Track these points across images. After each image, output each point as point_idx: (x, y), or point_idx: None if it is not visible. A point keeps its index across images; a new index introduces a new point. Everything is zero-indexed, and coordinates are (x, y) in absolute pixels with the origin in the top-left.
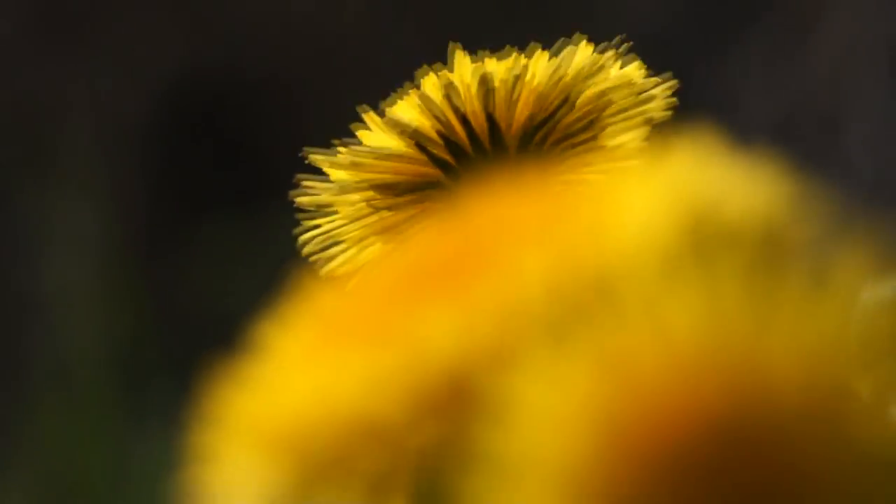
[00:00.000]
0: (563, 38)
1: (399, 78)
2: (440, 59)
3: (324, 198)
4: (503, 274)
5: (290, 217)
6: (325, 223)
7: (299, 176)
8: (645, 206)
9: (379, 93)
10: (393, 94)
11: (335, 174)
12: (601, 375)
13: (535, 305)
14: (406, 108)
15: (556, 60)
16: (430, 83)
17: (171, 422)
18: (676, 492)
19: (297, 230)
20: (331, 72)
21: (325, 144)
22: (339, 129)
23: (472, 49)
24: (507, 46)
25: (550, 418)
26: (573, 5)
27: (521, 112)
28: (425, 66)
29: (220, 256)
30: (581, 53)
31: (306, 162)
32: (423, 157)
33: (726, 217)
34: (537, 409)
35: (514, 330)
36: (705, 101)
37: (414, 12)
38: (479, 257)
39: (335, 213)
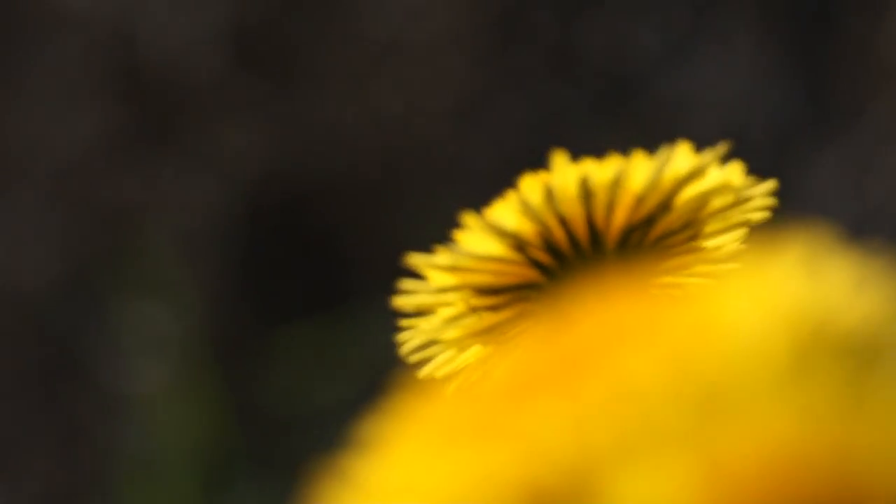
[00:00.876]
0: (664, 144)
1: (484, 180)
2: (528, 162)
3: (423, 299)
4: (614, 375)
5: (372, 319)
6: (425, 324)
7: (401, 280)
8: (751, 310)
9: (463, 194)
10: (494, 199)
11: (435, 276)
12: (705, 476)
13: (645, 407)
14: (506, 211)
15: (655, 163)
16: (530, 186)
17: None
18: None
19: (397, 333)
20: (414, 172)
21: (409, 245)
22: (423, 230)
23: (567, 151)
24: (608, 150)
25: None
26: (670, 111)
27: (621, 215)
28: (527, 172)
29: (301, 358)
30: (681, 156)
31: (395, 266)
32: (523, 259)
33: (829, 323)
34: None
35: (625, 431)
36: (794, 204)
37: (503, 111)
38: (588, 359)
39: (434, 314)
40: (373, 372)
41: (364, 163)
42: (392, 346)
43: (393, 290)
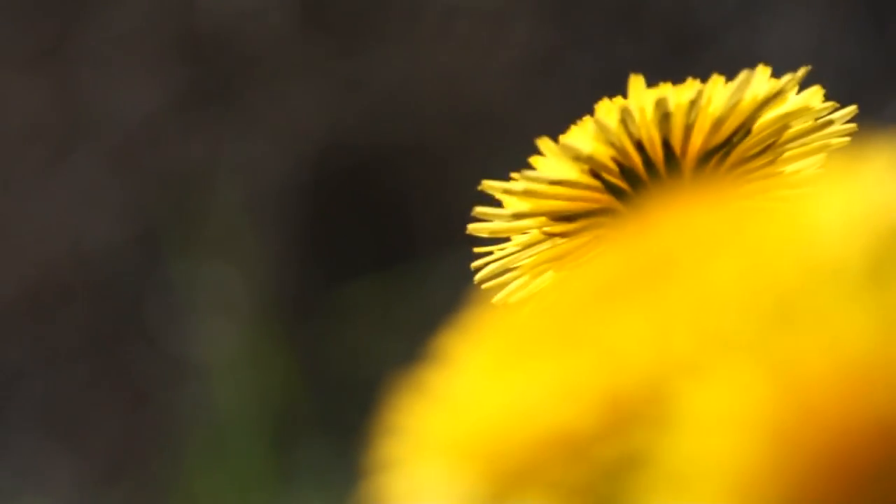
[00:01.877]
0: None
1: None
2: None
3: (497, 225)
4: (693, 283)
5: (438, 279)
6: (498, 251)
7: (476, 209)
8: (833, 218)
9: (525, 153)
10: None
11: (509, 202)
12: (776, 383)
13: (727, 315)
14: (581, 135)
15: (732, 85)
16: (606, 110)
17: (320, 482)
18: (846, 496)
19: (461, 292)
20: (481, 133)
21: (469, 206)
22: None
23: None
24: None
25: (725, 425)
26: (739, 67)
27: (697, 138)
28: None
29: (366, 318)
30: (759, 80)
31: (460, 226)
32: (598, 184)
33: None
34: (713, 415)
35: (706, 339)
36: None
37: (570, 70)
38: (666, 267)
39: (508, 241)
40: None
41: (430, 124)
42: (456, 306)
43: (458, 251)
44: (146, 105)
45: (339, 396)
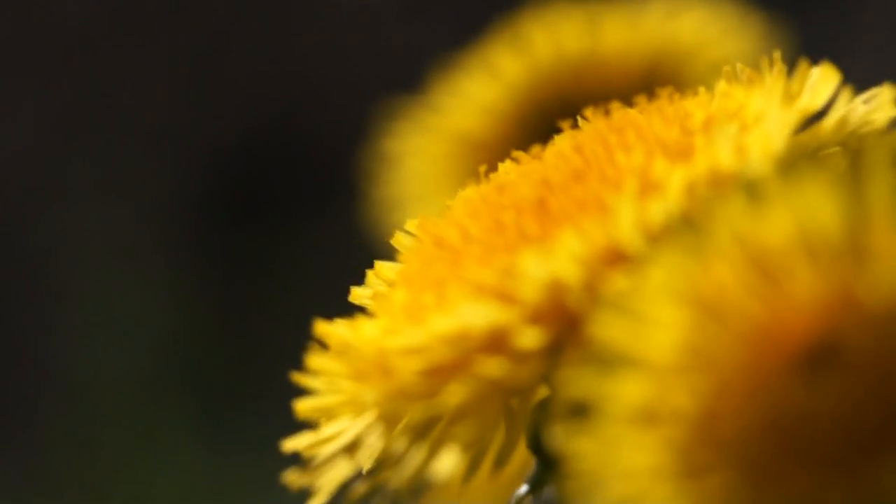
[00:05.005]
0: None
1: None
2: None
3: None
4: (629, 180)
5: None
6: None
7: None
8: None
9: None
10: None
11: None
12: (708, 268)
13: (666, 207)
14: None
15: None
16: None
17: (222, 431)
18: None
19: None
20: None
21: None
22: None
23: None
24: None
25: (669, 311)
26: None
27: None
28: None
29: (261, 270)
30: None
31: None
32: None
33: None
34: (648, 297)
35: (642, 233)
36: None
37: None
38: (601, 171)
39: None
40: (329, 282)
41: (323, 76)
42: (350, 255)
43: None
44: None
45: (240, 345)
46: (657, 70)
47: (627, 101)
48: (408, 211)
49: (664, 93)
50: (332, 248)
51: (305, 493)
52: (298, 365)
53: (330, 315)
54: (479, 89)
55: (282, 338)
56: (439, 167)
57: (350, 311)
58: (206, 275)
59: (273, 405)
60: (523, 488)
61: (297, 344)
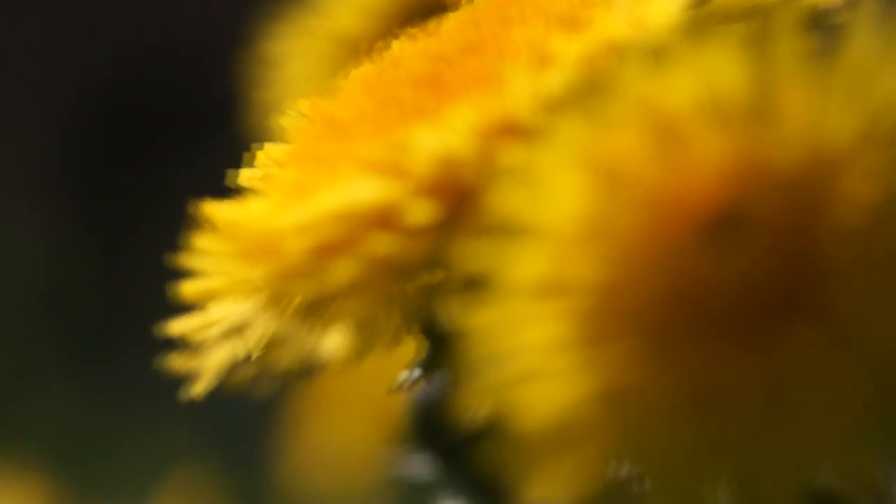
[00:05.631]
0: None
1: None
2: None
3: None
4: (525, 52)
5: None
6: None
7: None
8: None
9: None
10: None
11: None
12: (609, 136)
13: (562, 78)
14: None
15: None
16: None
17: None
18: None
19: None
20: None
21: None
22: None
23: None
24: None
25: (569, 180)
26: None
27: None
28: None
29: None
30: None
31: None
32: None
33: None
34: (559, 172)
35: (538, 103)
36: None
37: None
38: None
39: None
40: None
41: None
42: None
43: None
44: None
45: (116, 284)
46: None
47: None
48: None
49: None
50: (208, 182)
51: (183, 440)
52: (177, 305)
53: None
54: None
55: (159, 276)
56: (321, 69)
57: None
58: (79, 212)
59: (151, 347)
60: (415, 372)
61: (175, 281)
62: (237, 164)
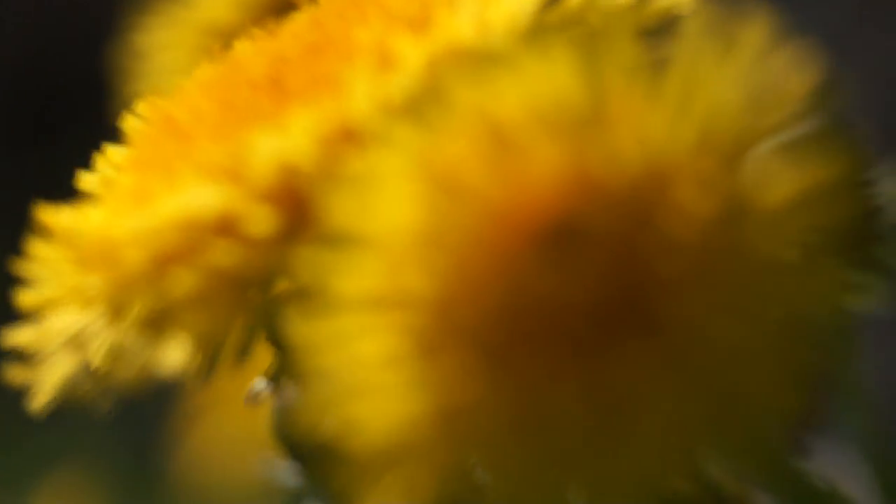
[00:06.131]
0: None
1: None
2: None
3: None
4: (365, 54)
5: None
6: None
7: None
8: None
9: None
10: None
11: None
12: (456, 137)
13: (404, 82)
14: None
15: None
16: None
17: None
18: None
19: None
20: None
21: None
22: None
23: None
24: None
25: (403, 190)
26: None
27: None
28: None
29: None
30: None
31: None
32: None
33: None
34: (393, 181)
35: (380, 105)
36: None
37: None
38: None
39: None
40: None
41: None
42: None
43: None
44: None
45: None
46: None
47: None
48: None
49: None
50: None
51: (64, 440)
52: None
53: None
54: None
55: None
56: (190, 60)
57: None
58: None
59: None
60: (262, 383)
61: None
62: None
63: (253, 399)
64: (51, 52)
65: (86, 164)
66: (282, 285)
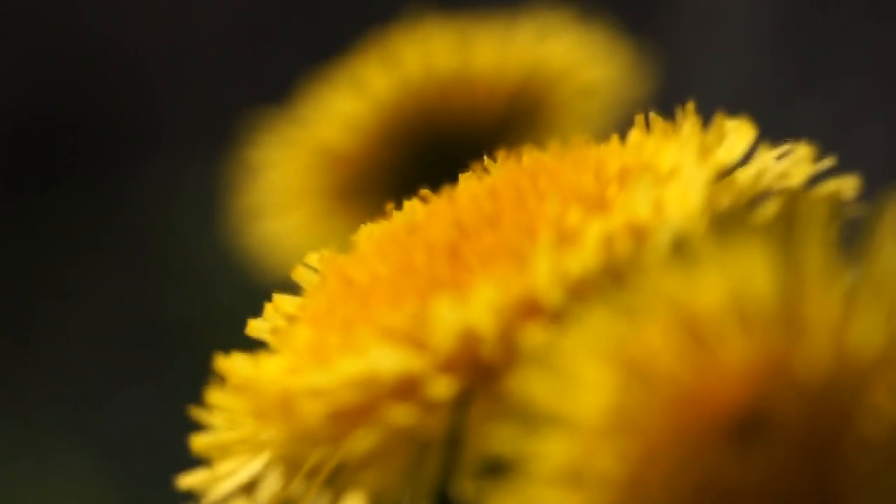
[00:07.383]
0: None
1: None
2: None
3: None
4: (544, 229)
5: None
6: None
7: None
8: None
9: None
10: None
11: None
12: (636, 332)
13: (584, 259)
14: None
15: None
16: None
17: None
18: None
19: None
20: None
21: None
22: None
23: None
24: None
25: (597, 373)
26: None
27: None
28: None
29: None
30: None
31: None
32: None
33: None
34: (586, 364)
35: (565, 289)
36: None
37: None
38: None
39: None
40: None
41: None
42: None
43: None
44: None
45: (23, 311)
46: (525, 91)
47: (495, 122)
48: (267, 223)
49: (577, 139)
50: (120, 216)
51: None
52: (82, 336)
53: (120, 278)
54: (344, 103)
55: (64, 307)
56: (301, 180)
57: (145, 285)
58: None
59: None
60: None
61: (80, 312)
62: (153, 201)
63: None
64: (52, 97)
65: (85, 209)
66: (454, 450)
